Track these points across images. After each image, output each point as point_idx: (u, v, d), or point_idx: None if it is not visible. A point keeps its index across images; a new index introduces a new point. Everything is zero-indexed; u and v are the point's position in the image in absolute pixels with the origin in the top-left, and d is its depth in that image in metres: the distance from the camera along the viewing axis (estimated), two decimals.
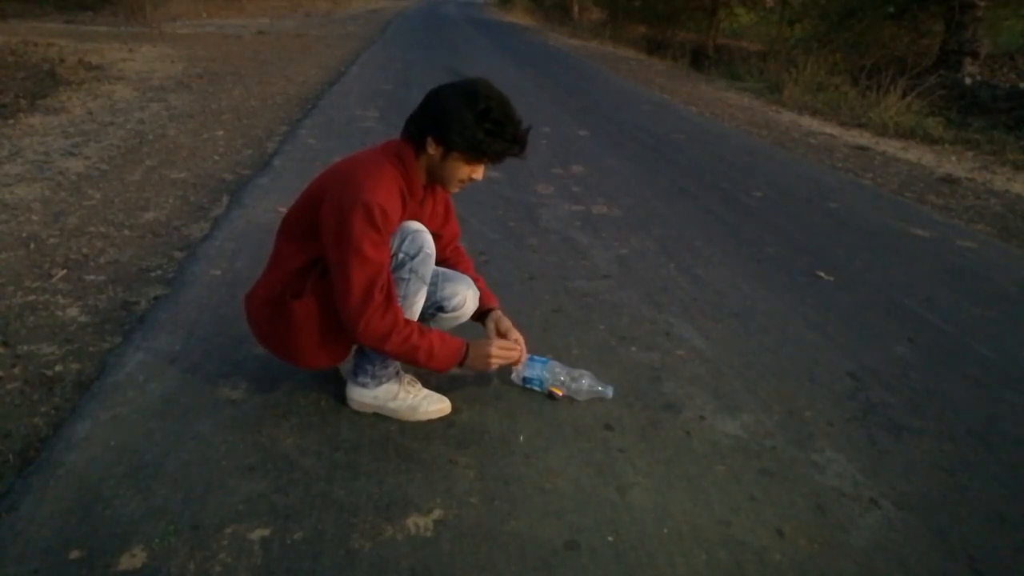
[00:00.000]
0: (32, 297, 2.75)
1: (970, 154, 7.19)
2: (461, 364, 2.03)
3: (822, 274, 3.48)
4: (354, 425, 2.03)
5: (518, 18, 28.70)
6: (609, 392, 2.23)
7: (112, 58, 9.15)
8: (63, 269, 3.00)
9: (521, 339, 2.19)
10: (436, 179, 1.94)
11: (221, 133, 5.71)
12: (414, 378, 2.13)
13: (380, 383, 2.04)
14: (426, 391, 2.11)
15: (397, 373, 2.06)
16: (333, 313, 1.87)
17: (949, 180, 5.97)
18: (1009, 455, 2.14)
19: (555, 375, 2.23)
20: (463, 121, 1.78)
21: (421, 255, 1.92)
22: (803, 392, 2.40)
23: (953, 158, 7.00)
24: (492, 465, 1.90)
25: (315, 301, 1.88)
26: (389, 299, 1.82)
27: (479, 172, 1.91)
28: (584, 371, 2.27)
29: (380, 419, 2.06)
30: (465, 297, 2.13)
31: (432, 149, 1.83)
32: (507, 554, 1.60)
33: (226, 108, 6.72)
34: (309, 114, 6.55)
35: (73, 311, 2.67)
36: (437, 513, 1.71)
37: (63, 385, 2.19)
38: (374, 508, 1.71)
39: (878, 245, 4.04)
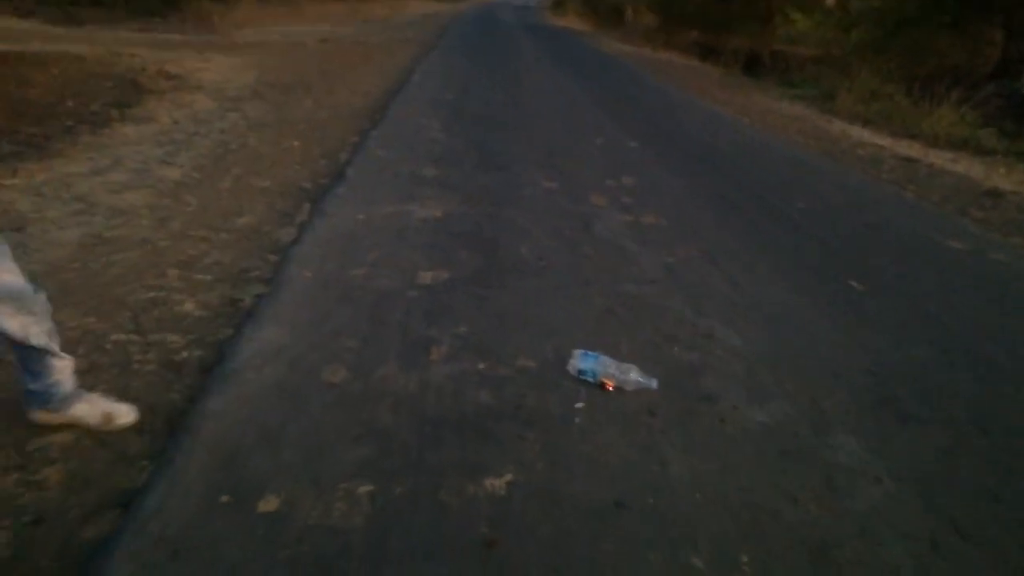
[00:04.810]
0: (153, 293, 3.18)
1: (1022, 166, 7.22)
2: None
3: (854, 283, 3.74)
4: (439, 405, 2.40)
5: (571, 23, 29.03)
6: (653, 384, 2.56)
7: (189, 67, 9.70)
8: (176, 268, 3.44)
9: None
10: None
11: (297, 144, 6.16)
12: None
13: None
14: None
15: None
16: None
17: (994, 193, 6.08)
18: (1008, 443, 2.44)
19: (606, 368, 2.58)
20: None
21: None
22: (825, 387, 2.70)
23: (1002, 170, 7.07)
24: (554, 441, 2.26)
25: None
26: None
27: None
28: (631, 365, 2.61)
29: (459, 400, 2.44)
30: None
31: None
32: (566, 510, 1.96)
33: (299, 118, 7.18)
34: (377, 124, 6.96)
35: (189, 306, 3.09)
36: (509, 476, 2.07)
37: (190, 369, 2.61)
38: (458, 471, 2.08)
39: (911, 256, 4.28)
